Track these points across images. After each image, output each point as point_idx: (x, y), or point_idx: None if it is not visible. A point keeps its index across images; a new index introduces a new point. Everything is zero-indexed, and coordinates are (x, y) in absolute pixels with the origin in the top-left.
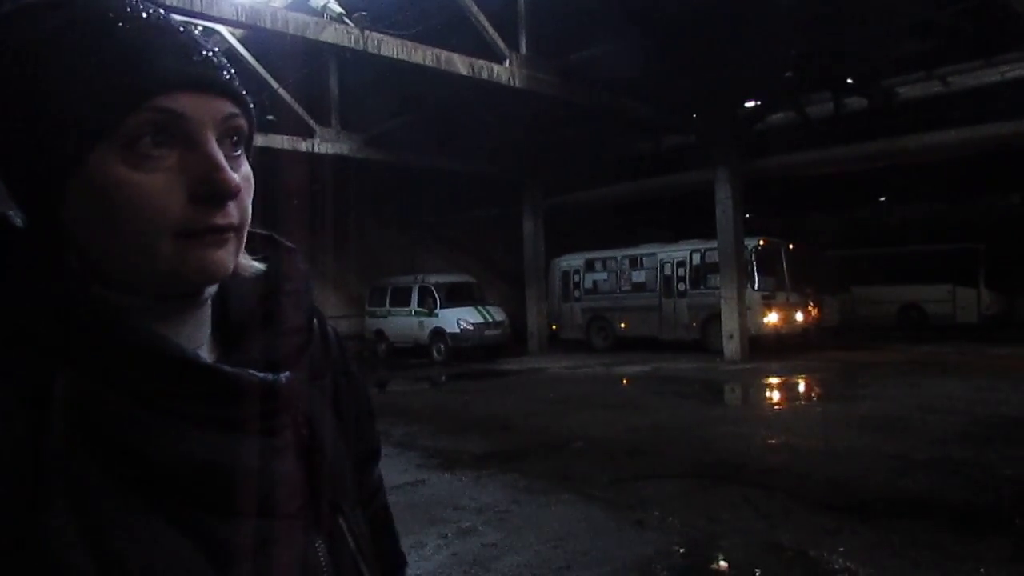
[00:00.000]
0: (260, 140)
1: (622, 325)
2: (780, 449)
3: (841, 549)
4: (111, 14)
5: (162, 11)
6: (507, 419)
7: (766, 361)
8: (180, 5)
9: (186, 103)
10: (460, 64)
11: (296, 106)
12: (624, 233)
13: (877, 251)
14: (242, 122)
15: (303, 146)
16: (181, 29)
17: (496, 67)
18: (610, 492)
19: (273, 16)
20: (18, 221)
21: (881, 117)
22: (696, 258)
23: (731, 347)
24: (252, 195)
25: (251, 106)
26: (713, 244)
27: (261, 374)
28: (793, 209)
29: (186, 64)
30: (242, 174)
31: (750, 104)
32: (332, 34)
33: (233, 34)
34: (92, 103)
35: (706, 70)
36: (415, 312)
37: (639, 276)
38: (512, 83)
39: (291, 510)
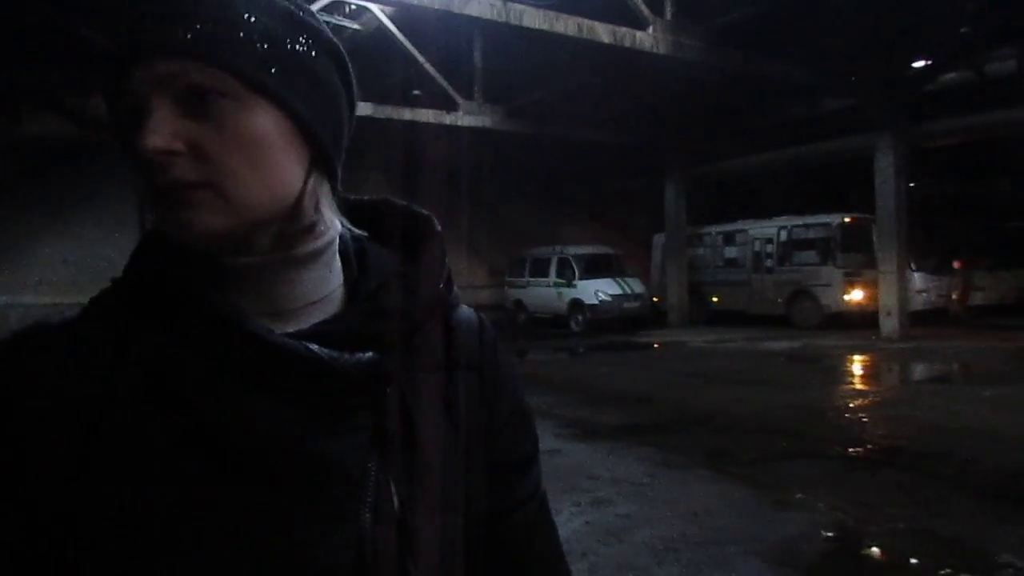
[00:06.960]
0: (407, 115)
1: (715, 299)
2: (940, 433)
3: (1005, 542)
4: None
5: None
6: (645, 392)
7: (928, 339)
8: None
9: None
10: (602, 32)
11: (441, 80)
12: (778, 204)
13: None
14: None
15: (447, 119)
16: None
17: (639, 34)
18: (751, 470)
19: None
20: None
21: None
22: (784, 235)
23: (888, 324)
24: (235, 148)
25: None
26: (801, 221)
27: (324, 350)
28: (971, 175)
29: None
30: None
31: (919, 64)
32: (476, 7)
33: (383, 11)
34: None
35: (869, 28)
36: (554, 283)
37: (731, 252)
38: (656, 50)
39: (335, 493)
